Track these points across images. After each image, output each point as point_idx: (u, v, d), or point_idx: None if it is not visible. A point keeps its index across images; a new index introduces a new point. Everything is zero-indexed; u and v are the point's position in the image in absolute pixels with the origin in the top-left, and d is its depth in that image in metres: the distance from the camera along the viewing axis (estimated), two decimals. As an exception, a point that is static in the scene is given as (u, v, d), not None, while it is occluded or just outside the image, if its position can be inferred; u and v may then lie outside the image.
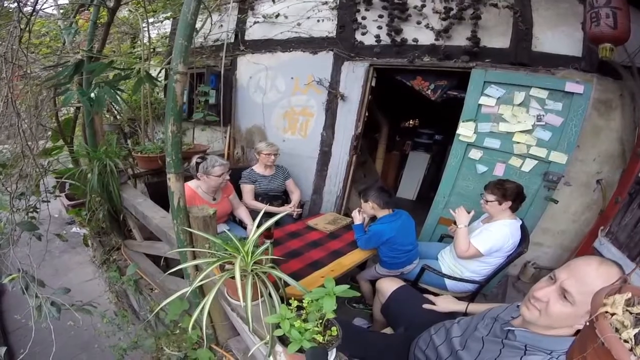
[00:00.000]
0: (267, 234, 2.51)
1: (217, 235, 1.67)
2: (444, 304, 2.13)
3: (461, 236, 2.69)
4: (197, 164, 2.97)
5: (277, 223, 3.60)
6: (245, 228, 3.31)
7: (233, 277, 1.36)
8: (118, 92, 2.21)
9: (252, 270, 1.46)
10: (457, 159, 3.56)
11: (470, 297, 2.86)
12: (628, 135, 3.04)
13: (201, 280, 1.51)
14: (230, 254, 1.52)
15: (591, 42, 2.68)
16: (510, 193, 2.62)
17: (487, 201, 2.71)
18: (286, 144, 4.55)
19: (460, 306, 2.07)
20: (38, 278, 2.20)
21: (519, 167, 3.30)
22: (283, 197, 3.95)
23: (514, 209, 2.67)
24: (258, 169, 3.83)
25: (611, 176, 3.19)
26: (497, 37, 3.28)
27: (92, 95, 2.10)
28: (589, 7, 2.50)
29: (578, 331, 1.18)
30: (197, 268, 1.99)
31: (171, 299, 1.54)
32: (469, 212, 2.81)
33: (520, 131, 3.23)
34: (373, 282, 2.89)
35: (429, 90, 3.78)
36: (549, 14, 3.09)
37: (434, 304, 2.15)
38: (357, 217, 3.04)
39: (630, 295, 0.71)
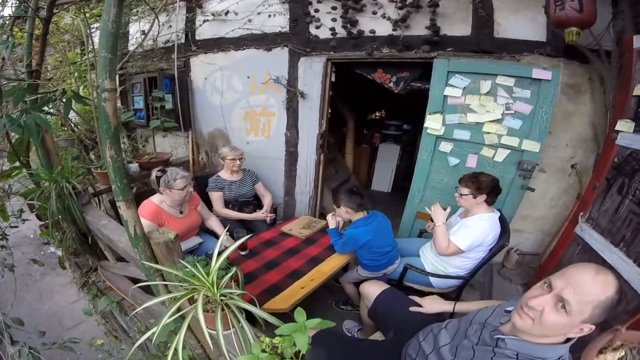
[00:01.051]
0: (241, 246, 2.55)
1: (184, 260, 1.54)
2: (431, 305, 2.08)
3: (440, 234, 2.60)
4: (158, 178, 2.77)
5: (251, 230, 3.42)
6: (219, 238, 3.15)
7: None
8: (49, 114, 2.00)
9: (220, 301, 1.34)
10: (428, 152, 3.42)
11: (457, 292, 2.82)
12: (599, 119, 2.99)
13: (171, 316, 1.33)
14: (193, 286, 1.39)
15: (556, 26, 2.58)
16: (485, 186, 2.53)
17: (461, 195, 2.62)
18: (251, 146, 4.34)
19: (447, 306, 2.03)
20: (16, 317, 2.12)
21: (491, 158, 3.17)
22: (254, 202, 3.76)
23: (489, 202, 2.58)
24: (225, 174, 3.64)
25: (585, 160, 3.17)
26: (457, 24, 3.12)
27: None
28: None
29: (568, 339, 1.19)
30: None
31: (149, 334, 1.39)
32: (445, 209, 2.68)
33: (490, 121, 3.09)
34: (357, 284, 2.80)
35: (391, 83, 3.59)
36: (505, 4, 2.99)
37: (420, 305, 2.10)
38: (331, 222, 2.91)
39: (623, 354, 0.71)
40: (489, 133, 3.11)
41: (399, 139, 6.74)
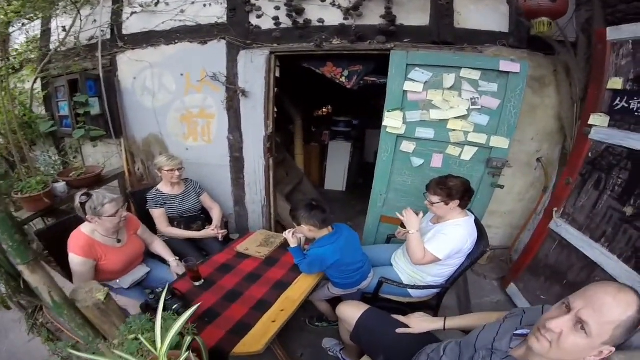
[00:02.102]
0: (194, 275, 2.28)
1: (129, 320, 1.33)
2: (419, 324, 1.87)
3: (415, 243, 2.34)
4: (82, 204, 2.27)
5: (202, 250, 3.09)
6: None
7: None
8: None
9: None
10: (388, 153, 3.11)
11: (437, 299, 2.61)
12: (566, 112, 2.89)
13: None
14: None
15: (526, 16, 2.47)
16: (456, 191, 2.30)
17: (432, 203, 2.37)
18: (191, 152, 3.86)
19: (437, 324, 1.84)
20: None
21: (458, 157, 2.94)
22: (202, 217, 3.30)
23: (463, 206, 2.37)
24: (164, 188, 3.14)
25: (550, 153, 3.12)
26: (415, 13, 2.91)
27: None
28: None
29: None
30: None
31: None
32: (417, 214, 2.41)
33: (455, 117, 2.84)
34: (331, 300, 2.68)
35: (343, 78, 3.28)
36: None
37: (407, 325, 1.91)
38: (291, 241, 2.51)
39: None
40: (454, 130, 2.86)
41: (349, 135, 6.48)
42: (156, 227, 3.05)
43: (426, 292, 2.54)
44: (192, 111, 3.71)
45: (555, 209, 2.72)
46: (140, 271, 2.59)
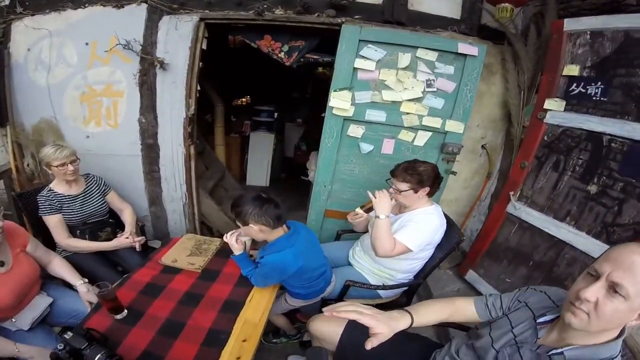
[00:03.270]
0: (113, 305, 1.67)
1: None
2: (387, 328, 1.38)
3: (384, 230, 2.02)
4: None
5: (117, 266, 2.51)
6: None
7: None
8: None
9: None
10: (334, 138, 2.83)
11: (407, 297, 2.42)
12: (514, 99, 2.89)
13: None
14: None
15: (490, 1, 2.56)
16: (427, 177, 2.09)
17: (399, 191, 2.10)
18: (92, 141, 3.18)
19: (404, 321, 1.42)
20: None
21: (411, 142, 2.78)
22: (112, 222, 2.67)
23: (431, 193, 2.17)
24: (58, 187, 2.44)
25: (494, 140, 3.15)
26: None
27: None
28: None
29: (621, 333, 1.09)
30: None
31: None
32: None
33: (409, 100, 2.66)
34: (287, 313, 2.37)
35: (282, 54, 2.96)
36: None
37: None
38: (235, 247, 2.03)
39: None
40: (407, 114, 2.69)
41: (271, 126, 6.10)
42: (55, 239, 2.39)
43: (396, 291, 2.34)
44: (95, 88, 3.05)
45: (512, 192, 2.72)
46: (40, 303, 1.91)
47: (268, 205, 1.85)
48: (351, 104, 2.69)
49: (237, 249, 2.01)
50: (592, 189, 2.24)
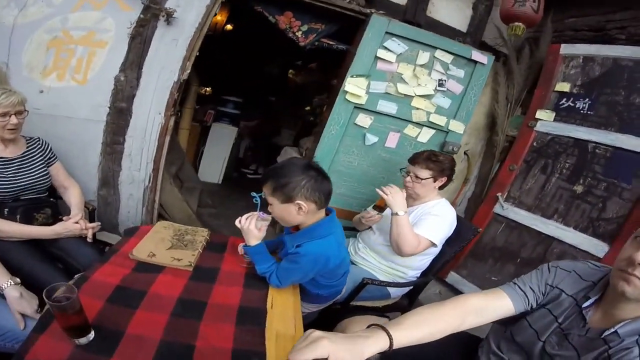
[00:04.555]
0: (75, 323, 1.01)
1: None
2: (348, 355, 0.93)
3: (407, 227, 1.91)
4: None
5: (58, 261, 1.80)
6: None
7: None
8: None
9: None
10: (340, 125, 2.78)
11: (409, 297, 2.31)
12: (501, 110, 3.17)
13: None
14: None
15: (505, 19, 2.70)
16: (448, 167, 2.11)
17: (420, 178, 2.06)
18: (46, 97, 2.48)
19: (376, 344, 0.98)
20: None
21: (415, 137, 2.90)
22: (52, 202, 2.04)
23: (444, 186, 2.18)
24: None
25: (474, 147, 3.35)
26: None
27: None
28: None
29: None
30: None
31: None
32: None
33: (420, 95, 2.79)
34: None
35: (300, 32, 2.84)
36: None
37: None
38: (255, 234, 1.58)
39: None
40: (417, 109, 2.82)
41: (236, 119, 5.54)
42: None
43: (404, 291, 2.24)
44: (72, 34, 2.43)
45: (499, 194, 2.96)
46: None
47: (322, 178, 1.51)
48: (365, 92, 2.70)
49: (255, 237, 1.58)
50: (578, 189, 2.61)
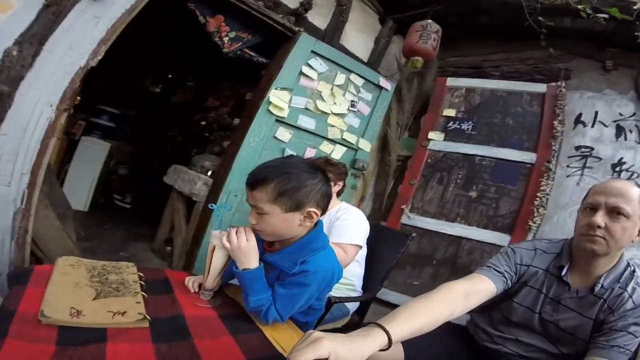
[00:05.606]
0: None
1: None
2: (349, 353, 0.88)
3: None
4: None
5: None
6: None
7: None
8: None
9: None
10: (261, 138, 2.73)
11: (359, 311, 2.14)
12: (393, 133, 3.50)
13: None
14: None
15: (406, 53, 3.12)
16: (344, 172, 2.16)
17: None
18: None
19: (375, 341, 0.95)
20: None
21: (329, 154, 2.97)
22: None
23: (340, 194, 2.19)
24: None
25: (368, 167, 3.46)
26: (318, 16, 3.14)
27: None
28: (421, 29, 3.01)
29: None
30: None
31: None
32: None
33: (335, 113, 2.97)
34: None
35: (227, 38, 2.75)
36: (358, 20, 3.40)
37: None
38: (254, 249, 1.18)
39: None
40: (333, 126, 2.98)
41: (111, 133, 4.64)
42: None
43: (355, 306, 2.08)
44: None
45: (404, 206, 3.20)
46: None
47: (325, 180, 1.23)
48: (288, 106, 2.76)
49: (256, 256, 1.17)
50: (473, 194, 3.03)
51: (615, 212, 1.17)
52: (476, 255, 2.87)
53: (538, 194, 2.76)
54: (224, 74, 4.86)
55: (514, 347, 1.36)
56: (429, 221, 3.12)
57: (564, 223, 2.75)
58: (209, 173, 3.13)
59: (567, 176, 2.86)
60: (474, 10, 3.12)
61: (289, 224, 1.16)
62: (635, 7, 2.47)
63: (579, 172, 2.83)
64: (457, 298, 1.14)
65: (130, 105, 5.67)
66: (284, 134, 2.78)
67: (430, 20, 2.98)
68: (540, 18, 2.70)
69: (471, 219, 3.01)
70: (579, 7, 2.56)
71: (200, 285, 1.26)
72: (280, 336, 1.10)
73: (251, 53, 2.93)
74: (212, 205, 1.32)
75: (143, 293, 1.12)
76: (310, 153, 2.90)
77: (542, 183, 2.77)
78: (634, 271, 1.25)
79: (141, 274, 1.26)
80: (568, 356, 1.29)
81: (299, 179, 1.13)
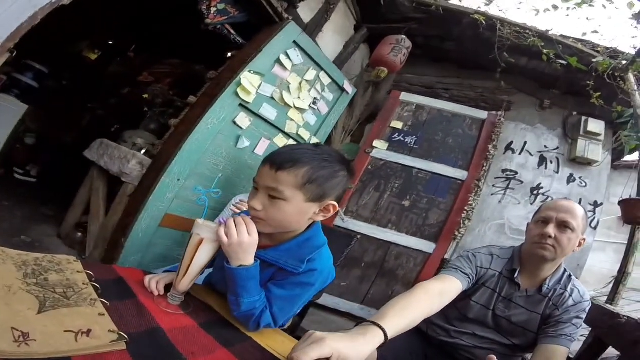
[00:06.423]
0: None
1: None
2: (353, 352, 0.91)
3: None
4: None
5: None
6: None
7: None
8: None
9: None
10: (220, 121, 2.52)
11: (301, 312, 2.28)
12: (338, 136, 3.68)
13: None
14: None
15: (374, 63, 3.41)
16: None
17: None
18: None
19: (375, 338, 0.98)
20: None
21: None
22: None
23: None
24: None
25: None
26: (306, 9, 3.23)
27: None
28: (395, 42, 3.29)
29: None
30: None
31: None
32: None
33: (297, 108, 2.95)
34: None
35: (214, 9, 2.58)
36: (338, 22, 3.56)
37: None
38: (254, 243, 1.02)
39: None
40: (292, 120, 2.96)
41: (32, 94, 3.76)
42: None
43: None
44: None
45: (339, 209, 3.27)
46: None
47: (352, 176, 1.17)
48: (256, 91, 2.64)
49: (253, 252, 1.03)
50: (406, 203, 3.27)
51: (563, 226, 1.42)
52: (403, 260, 3.11)
53: (465, 208, 3.11)
54: (171, 48, 4.56)
55: (470, 340, 1.57)
56: (361, 225, 3.27)
57: (484, 235, 3.20)
58: (142, 152, 2.77)
59: (492, 194, 3.31)
60: (445, 36, 3.37)
61: (302, 215, 1.07)
62: (594, 60, 2.86)
63: (502, 192, 3.30)
64: (434, 296, 1.25)
65: (62, 67, 4.84)
66: (244, 120, 2.65)
67: (404, 36, 3.15)
68: (505, 54, 3.05)
69: (402, 226, 3.23)
70: (545, 51, 2.93)
71: (166, 286, 1.08)
72: (273, 343, 1.03)
73: (231, 30, 2.79)
74: (199, 190, 1.20)
75: (103, 300, 0.86)
76: (263, 144, 2.83)
77: (470, 198, 3.13)
78: (570, 275, 1.51)
79: (90, 273, 0.97)
80: (519, 346, 1.53)
81: (333, 168, 1.05)
